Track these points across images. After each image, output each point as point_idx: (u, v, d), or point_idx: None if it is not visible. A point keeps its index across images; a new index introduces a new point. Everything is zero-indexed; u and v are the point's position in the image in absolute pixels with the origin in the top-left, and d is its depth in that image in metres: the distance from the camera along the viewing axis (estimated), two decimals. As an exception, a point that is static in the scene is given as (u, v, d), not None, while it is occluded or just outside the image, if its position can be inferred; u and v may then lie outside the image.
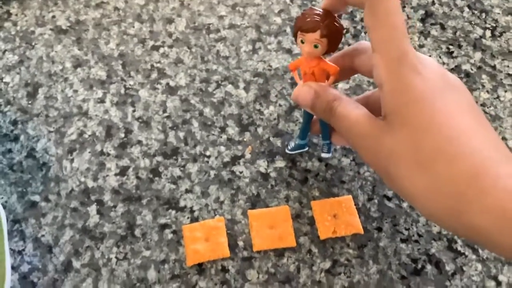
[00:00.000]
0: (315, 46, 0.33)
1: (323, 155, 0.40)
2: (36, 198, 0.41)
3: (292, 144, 0.42)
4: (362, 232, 0.38)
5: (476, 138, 0.27)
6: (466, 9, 0.50)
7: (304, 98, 0.35)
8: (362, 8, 0.30)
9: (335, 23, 0.33)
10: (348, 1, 0.32)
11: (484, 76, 0.46)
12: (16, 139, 0.44)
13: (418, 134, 0.28)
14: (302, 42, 0.34)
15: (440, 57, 0.47)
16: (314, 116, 0.39)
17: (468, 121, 0.28)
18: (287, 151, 0.42)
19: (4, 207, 0.40)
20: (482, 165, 0.26)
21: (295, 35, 0.34)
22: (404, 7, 0.50)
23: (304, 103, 0.35)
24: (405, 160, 0.28)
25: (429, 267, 0.38)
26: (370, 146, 0.31)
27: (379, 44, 0.29)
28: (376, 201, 0.40)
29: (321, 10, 0.33)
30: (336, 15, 0.34)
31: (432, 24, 0.49)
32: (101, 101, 0.45)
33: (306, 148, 0.42)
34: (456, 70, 0.46)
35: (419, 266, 0.38)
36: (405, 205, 0.40)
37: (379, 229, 0.39)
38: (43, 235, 0.40)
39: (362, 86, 0.46)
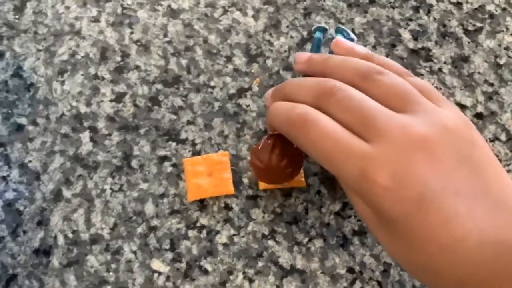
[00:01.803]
0: None
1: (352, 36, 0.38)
2: (23, 120, 0.37)
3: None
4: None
5: (462, 247, 0.24)
6: None
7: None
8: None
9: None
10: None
11: (508, 18, 0.43)
12: (1, 56, 0.39)
13: (402, 248, 0.27)
14: None
15: (463, -4, 0.44)
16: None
17: (452, 231, 0.25)
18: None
19: (-13, 129, 0.37)
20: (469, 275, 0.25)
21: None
22: None
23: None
24: (397, 257, 0.28)
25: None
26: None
27: (334, 170, 0.28)
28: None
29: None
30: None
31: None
32: (96, 20, 0.41)
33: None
34: (480, 10, 0.43)
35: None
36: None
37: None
38: (30, 161, 0.36)
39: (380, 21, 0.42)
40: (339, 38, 0.36)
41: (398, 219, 0.25)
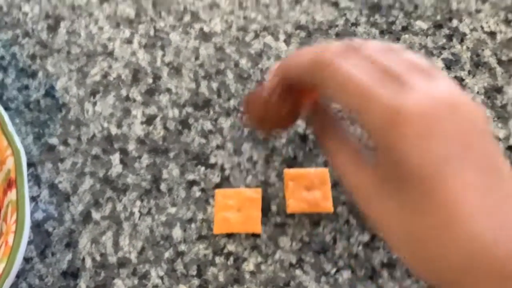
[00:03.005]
0: None
1: None
2: (54, 141, 0.38)
3: None
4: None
5: (473, 222, 0.23)
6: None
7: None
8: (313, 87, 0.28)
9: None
10: (295, 81, 0.29)
11: (543, 50, 0.42)
12: (34, 75, 0.40)
13: (411, 213, 0.25)
14: None
15: (497, 24, 0.43)
16: None
17: (470, 200, 0.23)
18: None
19: (19, 148, 0.37)
20: (480, 245, 0.23)
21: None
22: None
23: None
24: (394, 233, 0.26)
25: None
26: (359, 198, 0.27)
27: (359, 107, 0.25)
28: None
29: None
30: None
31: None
32: (129, 41, 0.42)
33: None
34: (514, 40, 0.43)
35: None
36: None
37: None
38: (60, 182, 0.36)
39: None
40: None
41: (420, 175, 0.24)
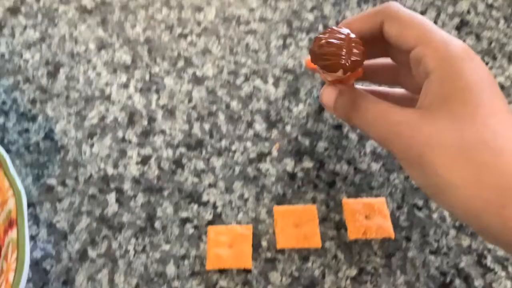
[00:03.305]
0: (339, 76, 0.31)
1: None
2: (53, 181, 0.39)
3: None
4: (393, 236, 0.37)
5: None
6: (502, 21, 0.49)
7: (327, 98, 0.33)
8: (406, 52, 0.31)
9: (359, 55, 0.29)
10: (392, 42, 0.31)
11: (518, 89, 0.45)
12: (34, 119, 0.42)
13: (464, 124, 0.27)
14: (322, 72, 0.31)
15: (474, 67, 0.46)
16: None
17: (511, 121, 0.27)
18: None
19: (19, 189, 0.39)
20: None
21: (311, 61, 0.31)
22: (439, 14, 0.49)
23: (327, 103, 0.34)
24: (446, 148, 0.27)
25: (457, 281, 0.37)
26: (402, 132, 0.29)
27: (423, 35, 0.29)
28: (405, 209, 0.39)
29: (344, 34, 0.29)
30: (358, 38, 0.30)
31: (467, 34, 0.48)
32: (125, 86, 0.44)
33: None
34: (490, 81, 0.45)
35: (448, 280, 0.37)
36: (435, 216, 0.39)
37: (408, 239, 0.38)
38: (58, 221, 0.38)
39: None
40: None
41: (469, 89, 0.27)
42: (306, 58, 0.34)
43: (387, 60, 0.36)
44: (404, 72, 0.34)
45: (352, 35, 0.30)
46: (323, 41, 0.29)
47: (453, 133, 0.27)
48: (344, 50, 0.29)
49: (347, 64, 0.29)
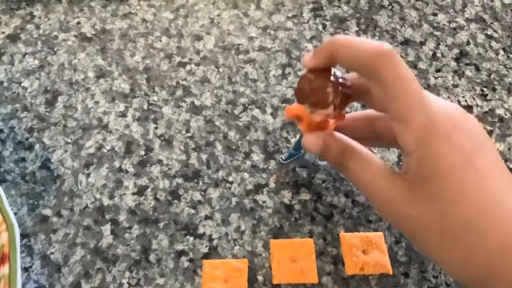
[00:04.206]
0: (326, 115, 0.31)
1: (320, 162, 0.41)
2: (48, 212, 0.39)
3: (286, 155, 0.42)
4: (391, 272, 0.36)
5: (505, 205, 0.27)
6: (501, 52, 0.49)
7: (311, 148, 0.33)
8: (367, 77, 0.29)
9: (346, 89, 0.30)
10: (345, 67, 0.31)
11: (518, 122, 0.44)
12: (30, 147, 0.42)
13: (446, 208, 0.27)
14: (311, 112, 0.31)
15: (474, 98, 0.46)
16: None
17: (497, 186, 0.27)
18: (280, 161, 0.42)
19: (13, 219, 0.38)
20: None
21: (298, 101, 0.31)
22: (438, 44, 0.49)
23: (312, 152, 0.33)
24: (433, 231, 0.28)
25: (456, 319, 0.36)
26: (393, 210, 0.30)
27: (402, 114, 0.27)
28: (403, 244, 0.39)
29: (326, 78, 0.30)
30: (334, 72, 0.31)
31: (466, 65, 0.48)
32: (123, 115, 0.44)
33: (299, 154, 0.41)
34: (489, 113, 0.45)
35: (446, 317, 0.36)
36: (433, 251, 0.38)
37: (406, 275, 0.37)
38: (52, 253, 0.37)
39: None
40: None
41: (448, 170, 0.27)
42: (287, 108, 0.34)
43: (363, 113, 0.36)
44: (381, 124, 0.34)
45: (338, 73, 0.30)
46: (311, 76, 0.30)
47: (437, 217, 0.28)
48: (332, 85, 0.29)
49: (338, 98, 0.29)
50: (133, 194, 0.40)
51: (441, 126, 0.27)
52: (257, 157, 0.42)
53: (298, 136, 0.40)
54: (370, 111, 0.35)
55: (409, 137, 0.27)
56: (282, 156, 0.42)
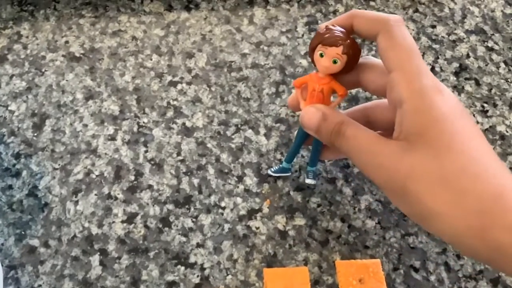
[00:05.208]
0: (334, 62, 0.33)
1: (308, 181, 0.40)
2: (35, 242, 0.38)
3: (275, 167, 0.41)
4: (387, 305, 0.35)
5: (495, 161, 0.28)
6: (502, 65, 0.47)
7: (309, 120, 0.34)
8: (374, 39, 0.32)
9: (356, 43, 0.33)
10: (361, 32, 0.33)
11: (520, 139, 0.43)
12: (17, 174, 0.41)
13: (441, 153, 0.28)
14: (321, 55, 0.33)
15: (474, 115, 0.44)
16: (307, 140, 0.38)
17: (485, 145, 0.29)
18: (270, 172, 0.41)
19: (0, 250, 0.37)
20: (506, 186, 0.27)
21: (312, 50, 0.34)
22: (437, 58, 0.48)
23: (309, 125, 0.34)
24: (427, 178, 0.28)
25: None
26: (384, 164, 0.30)
27: (398, 63, 0.30)
28: (402, 271, 0.37)
29: (342, 29, 0.33)
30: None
31: (466, 79, 0.46)
32: (112, 138, 0.42)
33: (289, 173, 0.41)
34: (490, 131, 0.43)
35: None
36: (432, 278, 0.37)
37: (404, 304, 0.36)
38: (40, 285, 0.36)
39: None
40: None
41: (443, 120, 0.28)
42: (294, 81, 0.36)
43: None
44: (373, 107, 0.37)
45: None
46: (327, 27, 0.33)
47: (432, 164, 0.28)
48: (347, 33, 0.33)
49: (348, 40, 0.32)
50: (123, 222, 0.39)
51: (434, 84, 0.29)
52: (250, 180, 0.41)
53: (291, 147, 0.39)
54: (365, 104, 0.38)
55: (405, 86, 0.29)
56: (271, 168, 0.41)
